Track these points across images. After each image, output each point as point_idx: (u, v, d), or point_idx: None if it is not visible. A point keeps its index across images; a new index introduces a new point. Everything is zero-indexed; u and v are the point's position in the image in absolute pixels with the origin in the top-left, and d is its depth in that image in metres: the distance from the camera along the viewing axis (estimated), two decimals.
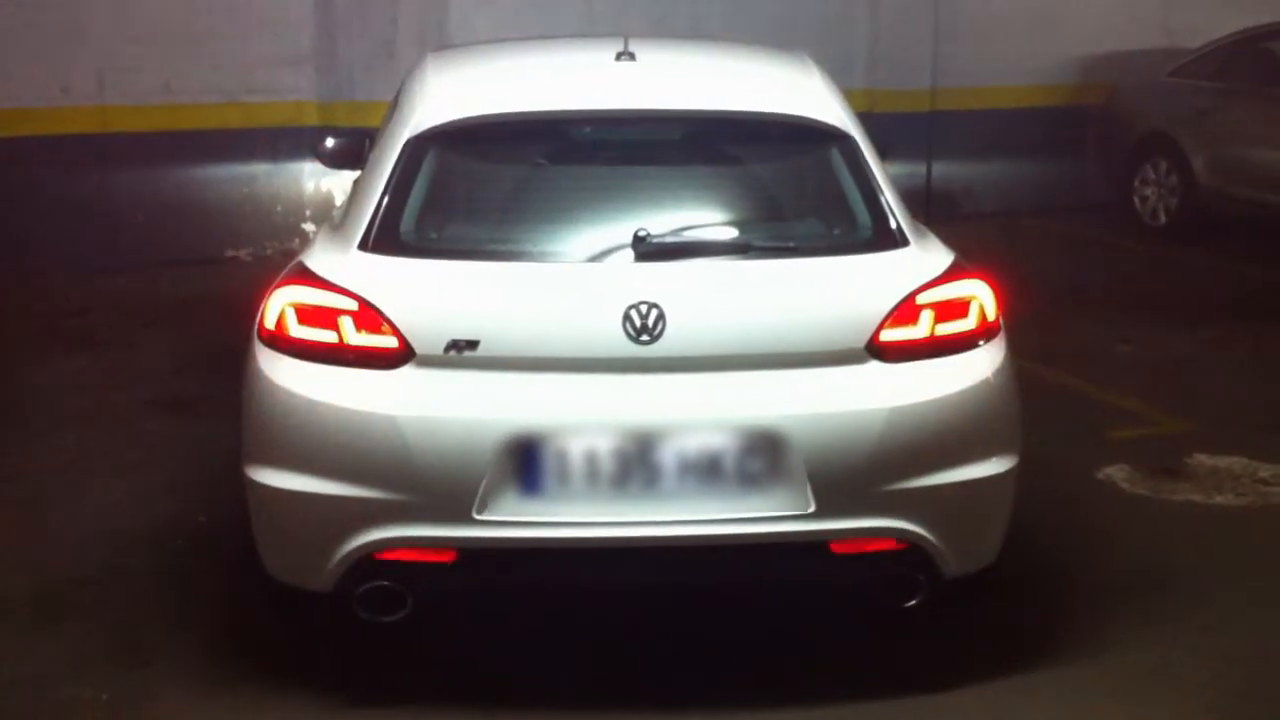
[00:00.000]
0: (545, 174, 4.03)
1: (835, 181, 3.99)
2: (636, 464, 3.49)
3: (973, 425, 3.68)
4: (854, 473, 3.52)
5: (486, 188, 4.05)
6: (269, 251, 9.16)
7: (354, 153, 4.93)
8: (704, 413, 3.52)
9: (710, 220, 3.89)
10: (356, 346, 3.55)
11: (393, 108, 4.30)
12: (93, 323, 7.56)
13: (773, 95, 4.20)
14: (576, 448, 3.48)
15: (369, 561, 3.55)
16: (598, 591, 3.87)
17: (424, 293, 3.61)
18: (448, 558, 3.57)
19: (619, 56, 4.21)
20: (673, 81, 4.28)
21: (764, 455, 3.51)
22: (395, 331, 3.52)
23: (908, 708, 3.75)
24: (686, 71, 4.45)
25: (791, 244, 3.86)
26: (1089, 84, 11.10)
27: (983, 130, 10.78)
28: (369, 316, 3.54)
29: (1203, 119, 9.88)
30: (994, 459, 3.73)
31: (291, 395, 3.57)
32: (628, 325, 3.49)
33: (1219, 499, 5.18)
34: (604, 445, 3.48)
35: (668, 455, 3.49)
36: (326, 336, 3.58)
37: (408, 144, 3.87)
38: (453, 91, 4.14)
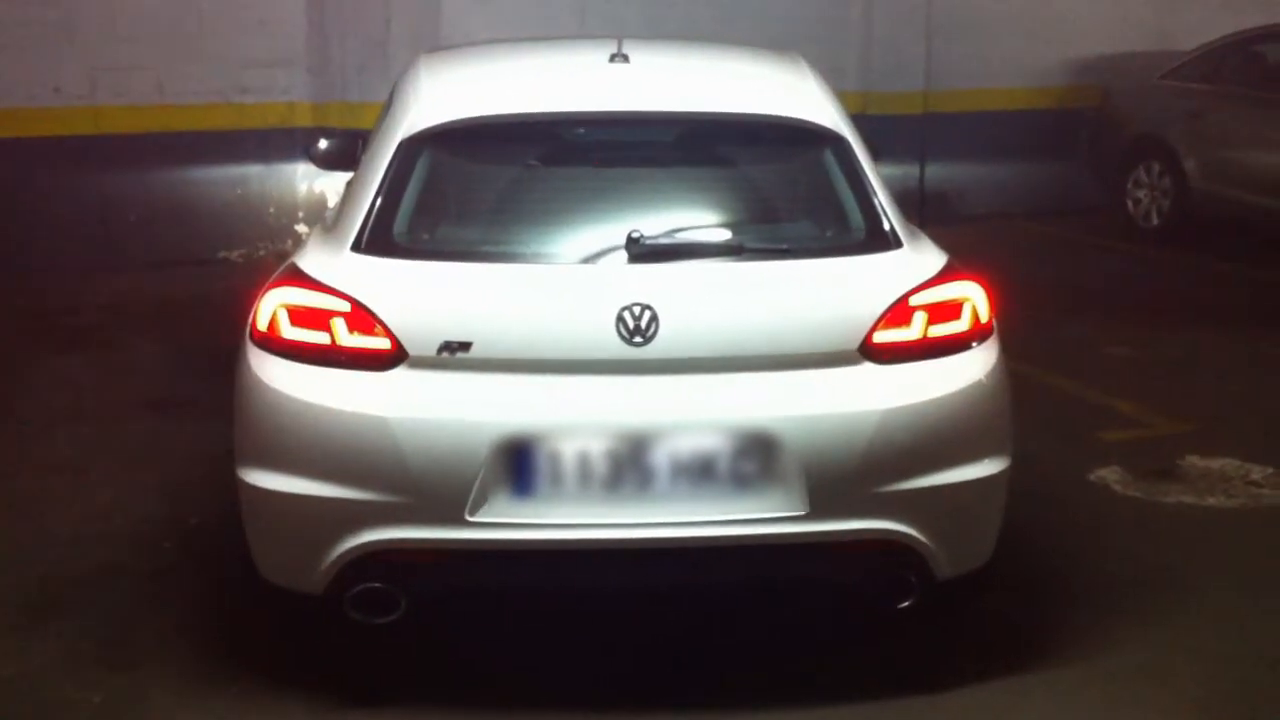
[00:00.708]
0: (539, 175, 4.03)
1: (828, 183, 3.99)
2: (629, 466, 3.49)
3: (965, 427, 3.68)
4: (847, 474, 3.52)
5: (480, 189, 4.05)
6: (261, 253, 9.15)
7: (347, 154, 4.92)
8: (697, 414, 3.52)
9: (703, 222, 3.89)
10: (349, 348, 3.55)
11: (386, 109, 4.29)
12: (84, 323, 7.55)
13: (766, 97, 4.20)
14: (569, 449, 3.47)
15: (361, 563, 3.54)
16: (591, 593, 3.86)
17: (417, 294, 3.61)
18: (441, 559, 3.56)
19: (612, 58, 4.21)
20: (666, 83, 4.28)
21: (757, 457, 3.51)
22: (388, 333, 3.52)
23: (900, 709, 3.75)
24: (680, 73, 4.45)
25: (785, 246, 3.86)
26: (1082, 86, 11.12)
27: (976, 132, 10.80)
28: (361, 318, 3.54)
29: (1195, 122, 9.90)
30: (986, 460, 3.73)
31: (284, 397, 3.57)
32: (621, 327, 3.49)
33: (1211, 501, 5.19)
34: (597, 447, 3.48)
35: (661, 457, 3.49)
36: (319, 338, 3.58)
37: (401, 145, 3.86)
38: (446, 93, 4.14)
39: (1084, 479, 5.37)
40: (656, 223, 3.74)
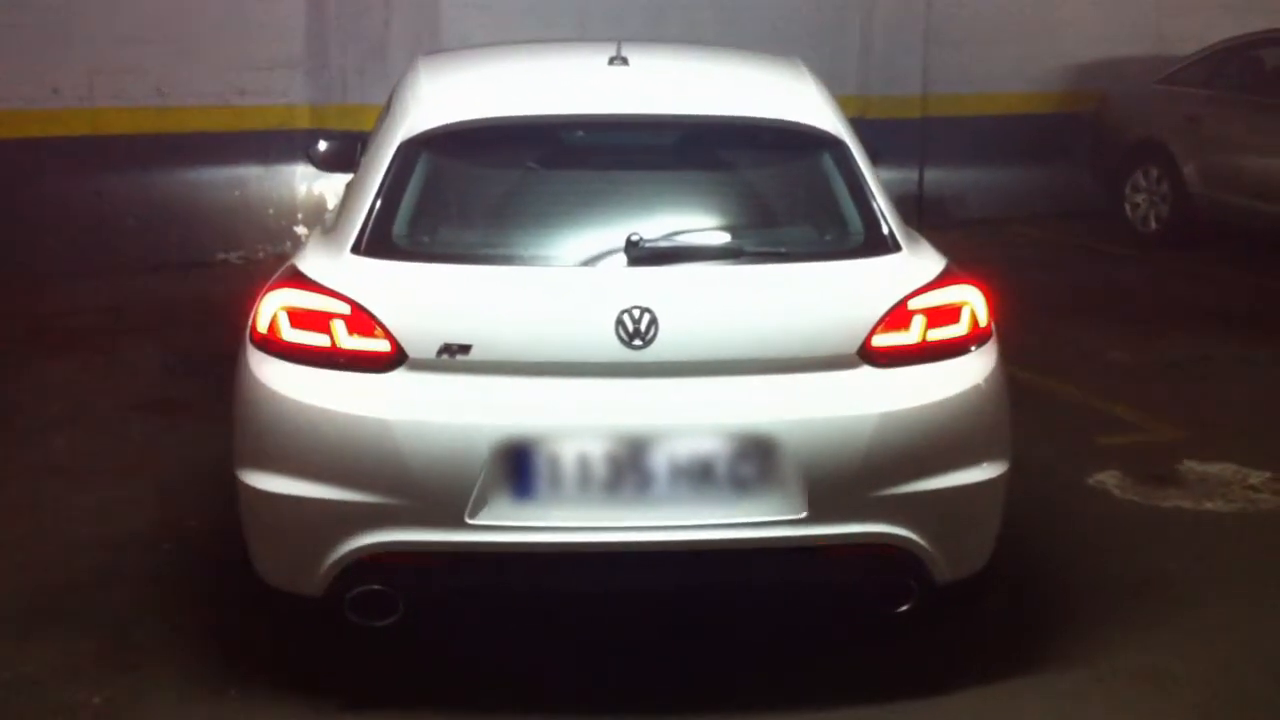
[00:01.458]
0: (538, 178, 4.03)
1: (828, 187, 4.00)
2: (629, 468, 3.49)
3: (964, 431, 3.68)
4: (846, 478, 3.53)
5: (479, 192, 4.05)
6: (261, 255, 9.15)
7: (346, 156, 4.92)
8: (696, 417, 3.52)
9: (703, 225, 3.89)
10: (349, 350, 3.55)
11: (385, 111, 4.30)
12: (83, 325, 7.55)
13: (766, 100, 4.20)
14: (569, 452, 3.48)
15: (361, 565, 3.54)
16: (590, 596, 3.86)
17: (417, 296, 3.61)
18: (441, 562, 3.56)
19: (612, 61, 4.21)
20: (666, 86, 4.28)
21: (756, 460, 3.52)
22: (388, 335, 3.52)
23: (899, 713, 3.75)
24: (679, 76, 4.45)
25: (784, 249, 3.87)
26: (1080, 91, 11.13)
27: (975, 137, 10.81)
28: (361, 320, 3.54)
29: (1193, 126, 9.91)
30: (985, 464, 3.73)
31: (283, 399, 3.57)
32: (620, 330, 3.49)
33: (1209, 505, 5.19)
34: (596, 450, 3.48)
35: (660, 460, 3.49)
36: (319, 340, 3.58)
37: (400, 148, 3.87)
38: (445, 95, 4.14)
39: (1082, 483, 5.37)
40: (656, 226, 3.74)
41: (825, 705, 3.76)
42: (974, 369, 3.73)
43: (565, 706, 3.78)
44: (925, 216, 10.03)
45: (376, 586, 3.57)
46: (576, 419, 3.49)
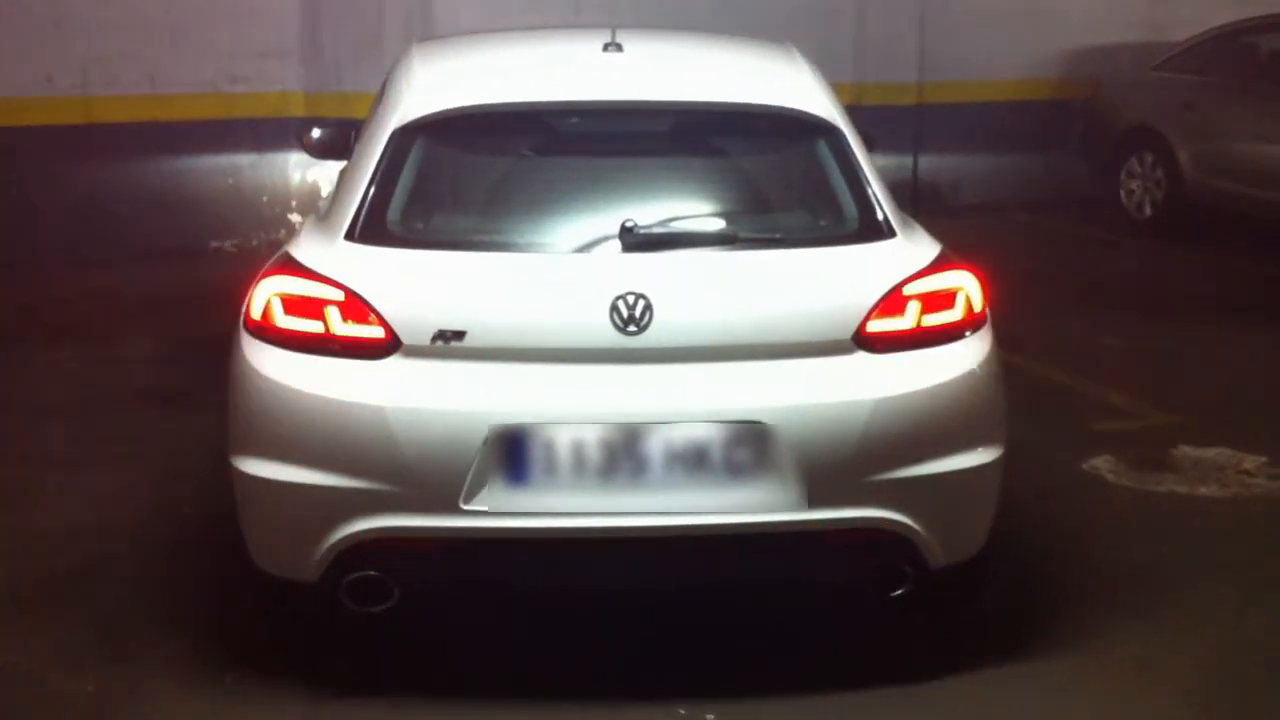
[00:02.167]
0: (532, 165, 4.02)
1: (822, 173, 4.00)
2: (623, 455, 3.49)
3: (959, 416, 3.68)
4: (841, 463, 3.53)
5: (473, 178, 4.04)
6: (255, 242, 9.14)
7: (340, 143, 4.91)
8: (691, 404, 3.52)
9: (698, 211, 3.89)
10: (343, 337, 3.55)
11: (379, 98, 4.28)
12: (77, 314, 7.54)
13: (760, 87, 4.20)
14: (563, 438, 3.47)
15: (355, 552, 3.54)
16: (585, 582, 3.86)
17: (411, 283, 3.60)
18: (435, 548, 3.57)
19: (606, 47, 4.21)
20: (660, 73, 4.28)
21: (751, 446, 3.51)
22: (382, 322, 3.52)
23: (890, 698, 3.76)
24: (674, 63, 4.45)
25: (779, 235, 3.87)
26: (1075, 78, 11.13)
27: (969, 123, 10.81)
28: (355, 307, 3.54)
29: (1188, 113, 9.91)
30: (980, 450, 3.73)
31: (278, 385, 3.57)
32: (615, 316, 3.49)
33: (1203, 490, 5.20)
34: (591, 436, 3.48)
35: (654, 446, 3.49)
36: (313, 327, 3.57)
37: (394, 134, 3.86)
38: (439, 82, 4.13)
39: (1076, 469, 5.38)
40: (651, 212, 3.74)
41: (815, 691, 3.76)
42: (969, 354, 3.73)
43: (560, 693, 3.78)
44: (920, 203, 10.03)
45: (371, 572, 3.57)
46: (571, 405, 3.49)
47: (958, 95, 10.83)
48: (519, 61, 4.44)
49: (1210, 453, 5.52)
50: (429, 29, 9.09)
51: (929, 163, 10.76)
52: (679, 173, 4.09)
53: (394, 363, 3.51)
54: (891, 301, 3.63)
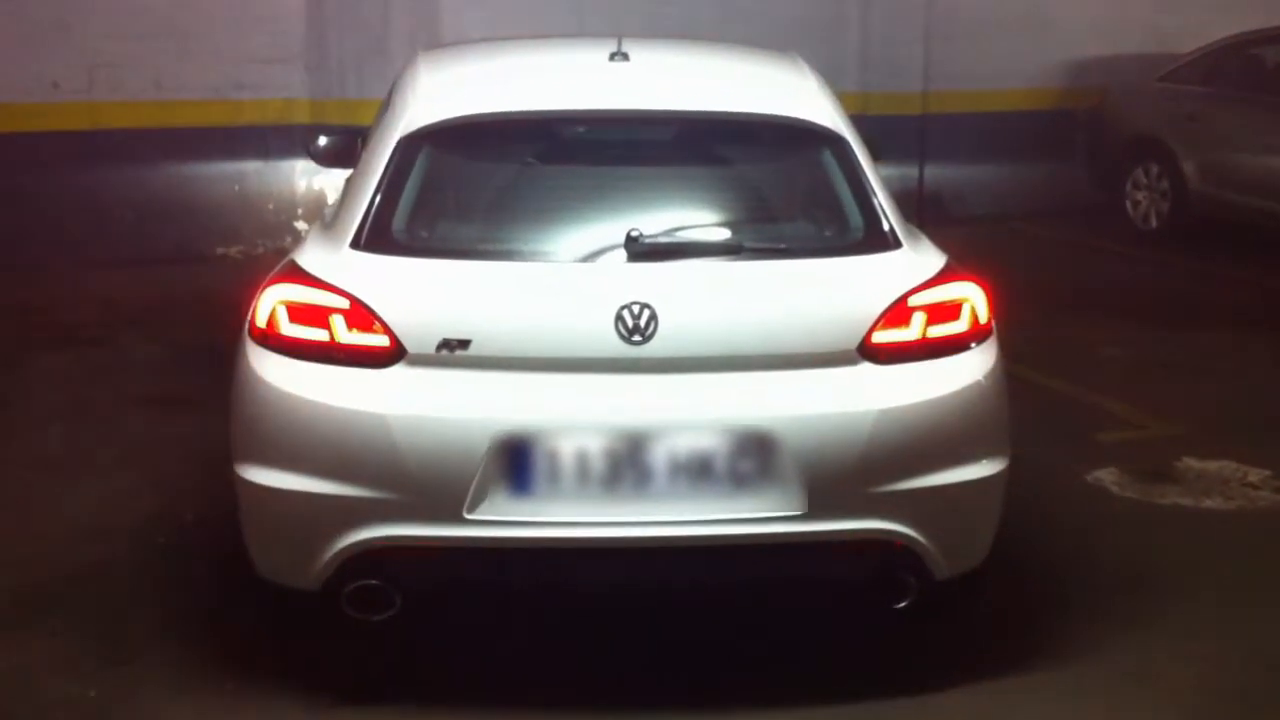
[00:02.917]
0: (538, 173, 4.03)
1: (828, 183, 3.99)
2: (627, 464, 3.48)
3: (964, 427, 3.68)
4: (845, 474, 3.52)
5: (479, 187, 4.04)
6: (260, 250, 9.14)
7: (346, 151, 4.91)
8: (695, 413, 3.52)
9: (703, 221, 3.89)
10: (348, 345, 3.54)
11: (385, 106, 4.29)
12: (81, 319, 7.54)
13: (766, 96, 4.20)
14: (567, 448, 3.47)
15: (358, 560, 3.54)
16: (588, 592, 3.85)
17: (416, 292, 3.60)
18: (438, 557, 3.56)
19: (612, 56, 4.21)
20: (666, 82, 4.28)
21: (755, 456, 3.51)
22: (387, 330, 3.51)
23: (891, 709, 3.75)
24: (680, 72, 4.45)
25: (784, 245, 3.86)
26: (1080, 88, 11.13)
27: (975, 133, 10.80)
28: (360, 315, 3.54)
29: (1193, 124, 9.91)
30: (985, 461, 3.73)
31: (282, 393, 3.56)
32: (620, 325, 3.49)
33: (1208, 503, 5.19)
34: (595, 445, 3.47)
35: (659, 456, 3.49)
36: (318, 335, 3.57)
37: (400, 143, 3.86)
38: (445, 90, 4.13)
39: (1081, 480, 5.37)
40: (656, 222, 3.73)
41: (818, 702, 3.76)
42: (974, 366, 3.72)
43: (558, 704, 3.77)
44: (925, 213, 10.02)
45: (374, 581, 3.57)
46: (575, 414, 3.49)
47: (963, 105, 10.83)
48: (525, 70, 4.44)
49: (1215, 465, 5.51)
50: (434, 37, 9.10)
51: (934, 172, 10.75)
52: (684, 182, 4.09)
53: (398, 371, 3.50)
54: (897, 312, 3.63)
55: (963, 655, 4.00)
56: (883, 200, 3.91)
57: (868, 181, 3.93)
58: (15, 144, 8.58)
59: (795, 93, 4.21)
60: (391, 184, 3.79)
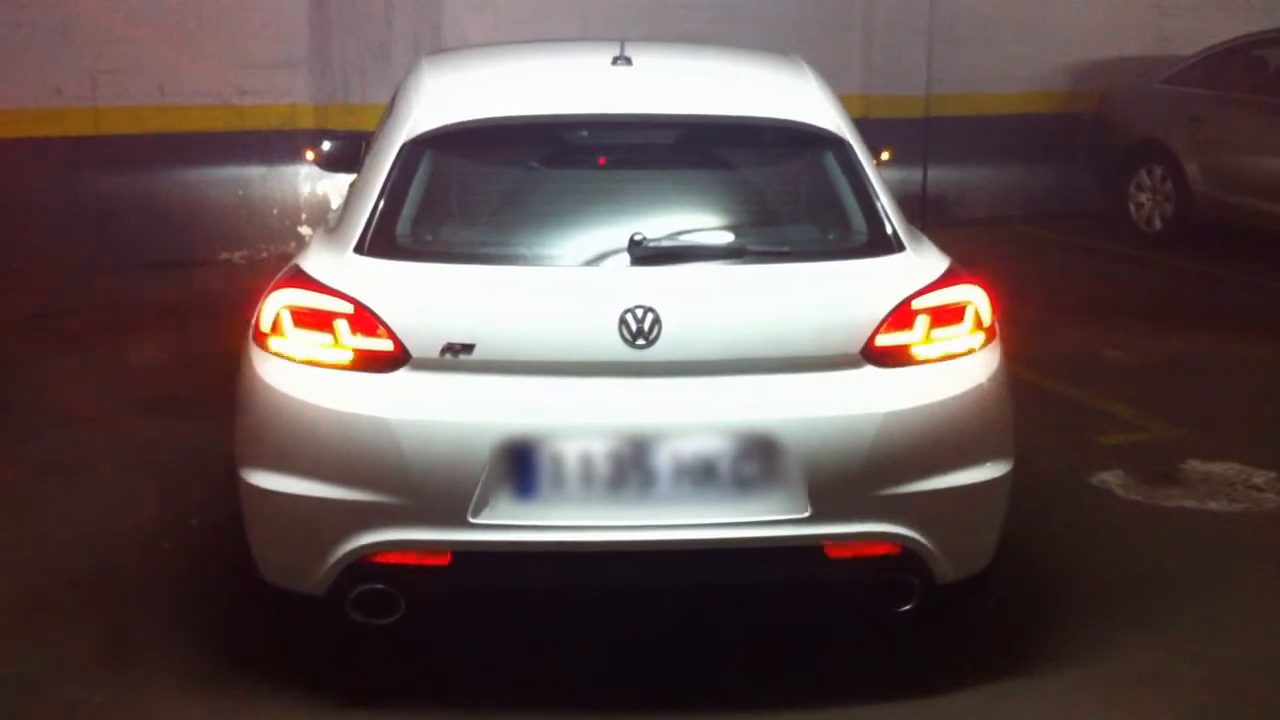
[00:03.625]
0: (541, 178, 4.03)
1: (831, 186, 3.99)
2: (632, 468, 3.49)
3: (967, 430, 3.68)
4: (849, 477, 3.52)
5: (483, 191, 4.05)
6: (264, 254, 9.15)
7: (350, 156, 4.93)
8: (699, 416, 3.52)
9: (706, 225, 3.89)
10: (352, 349, 3.54)
11: (388, 111, 4.29)
12: (85, 324, 7.55)
13: (769, 100, 4.20)
14: (572, 451, 3.48)
15: (363, 565, 3.54)
16: (593, 595, 3.86)
17: (420, 296, 3.60)
18: (443, 561, 3.56)
19: (615, 60, 4.21)
20: (669, 86, 4.28)
21: (759, 459, 3.51)
22: (391, 335, 3.52)
23: (898, 712, 3.75)
24: (683, 76, 4.45)
25: (787, 249, 3.86)
26: (1083, 90, 11.13)
27: (978, 136, 10.80)
28: (365, 320, 3.54)
29: (1196, 126, 9.91)
30: (988, 464, 3.73)
31: (287, 398, 3.57)
32: (623, 329, 3.49)
33: (1212, 505, 5.19)
34: (599, 449, 3.48)
35: (663, 459, 3.49)
36: (322, 339, 3.57)
37: (404, 147, 3.86)
38: (449, 95, 4.14)
39: (1085, 483, 5.37)
40: (659, 225, 3.74)
41: (822, 705, 3.76)
42: (977, 369, 3.72)
43: (561, 705, 3.77)
44: (928, 215, 10.03)
45: (378, 586, 3.57)
46: (579, 418, 3.49)
47: (966, 108, 10.83)
48: (528, 74, 4.45)
49: (1219, 467, 5.50)
50: (438, 41, 9.11)
51: (937, 175, 10.76)
52: (687, 186, 4.09)
53: (403, 376, 3.51)
54: (900, 315, 3.63)
55: (967, 657, 4.00)
56: (886, 203, 3.91)
57: (870, 184, 3.93)
58: (19, 149, 8.59)
59: (798, 96, 4.22)
60: (395, 189, 3.80)
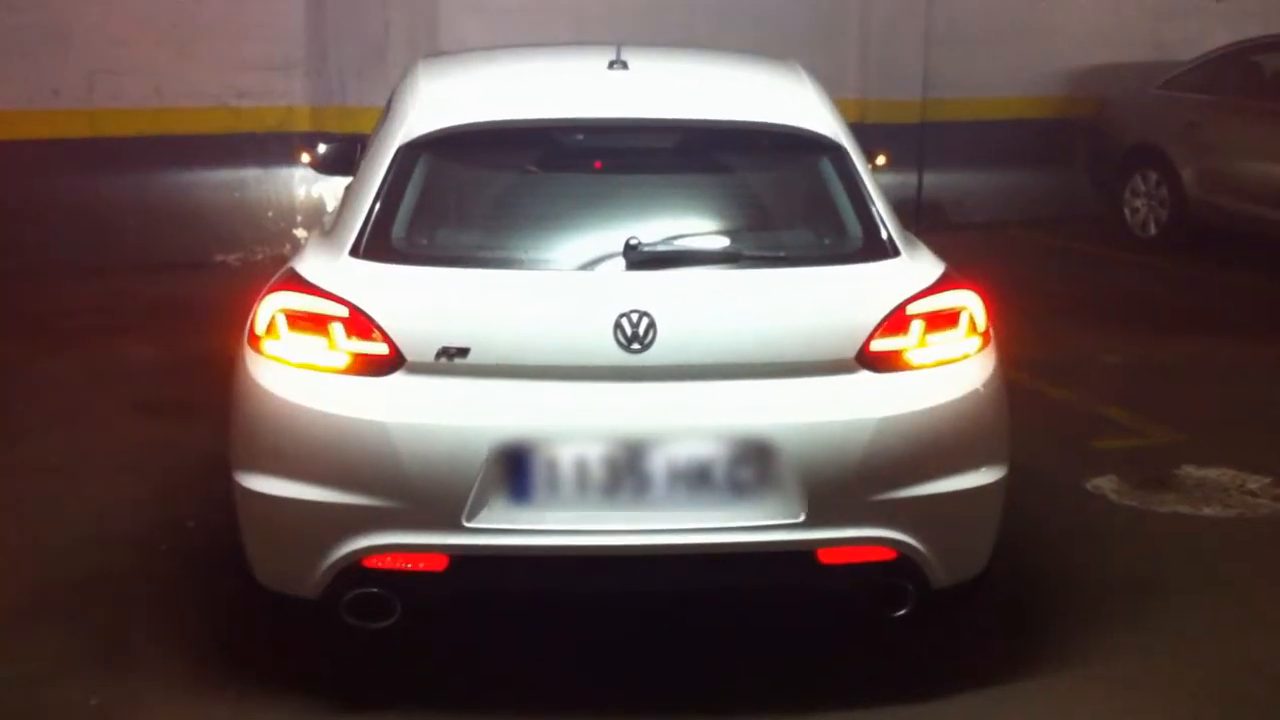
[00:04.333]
0: (537, 182, 4.03)
1: (826, 191, 4.00)
2: (626, 472, 3.49)
3: (962, 435, 3.68)
4: (844, 482, 3.53)
5: (478, 195, 4.05)
6: (259, 257, 9.15)
7: (346, 159, 4.93)
8: (694, 421, 3.52)
9: (701, 229, 3.89)
10: (347, 353, 3.54)
11: (384, 114, 4.29)
12: (81, 325, 7.55)
13: (765, 105, 4.20)
14: (566, 455, 3.48)
15: (358, 568, 3.54)
16: (588, 600, 3.86)
17: (415, 299, 3.61)
18: (437, 565, 3.56)
19: (611, 65, 4.21)
20: (665, 90, 4.28)
21: (754, 464, 3.52)
22: (386, 338, 3.52)
23: (896, 716, 3.75)
24: (679, 80, 4.45)
25: (782, 253, 3.87)
26: (1079, 95, 11.15)
27: (973, 141, 10.82)
28: (360, 323, 3.54)
29: (1192, 131, 9.92)
30: (983, 469, 3.73)
31: (281, 401, 3.57)
32: (618, 333, 3.49)
33: (1207, 510, 5.19)
34: (594, 453, 3.48)
35: (658, 463, 3.49)
36: (317, 343, 3.57)
37: (399, 151, 3.87)
38: (445, 98, 4.14)
39: (1080, 488, 5.37)
40: (655, 230, 3.74)
41: (818, 709, 3.76)
42: (972, 374, 3.73)
43: (558, 709, 3.77)
44: (923, 220, 10.04)
45: (373, 589, 3.57)
46: (574, 422, 3.50)
47: (962, 112, 10.85)
48: (524, 78, 4.45)
49: (1214, 472, 5.51)
50: (434, 44, 9.12)
51: (932, 180, 10.77)
52: (683, 190, 4.09)
53: (398, 379, 3.51)
54: (895, 320, 3.63)
55: (962, 661, 4.01)
56: (881, 208, 3.91)
57: (866, 190, 3.94)
58: (14, 151, 8.59)
59: (794, 101, 4.22)
60: (391, 192, 3.80)
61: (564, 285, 3.67)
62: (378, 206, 3.78)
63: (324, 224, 4.23)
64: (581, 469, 3.48)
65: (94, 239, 8.72)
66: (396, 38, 9.21)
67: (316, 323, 3.58)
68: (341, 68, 9.28)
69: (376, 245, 3.72)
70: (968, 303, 3.76)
